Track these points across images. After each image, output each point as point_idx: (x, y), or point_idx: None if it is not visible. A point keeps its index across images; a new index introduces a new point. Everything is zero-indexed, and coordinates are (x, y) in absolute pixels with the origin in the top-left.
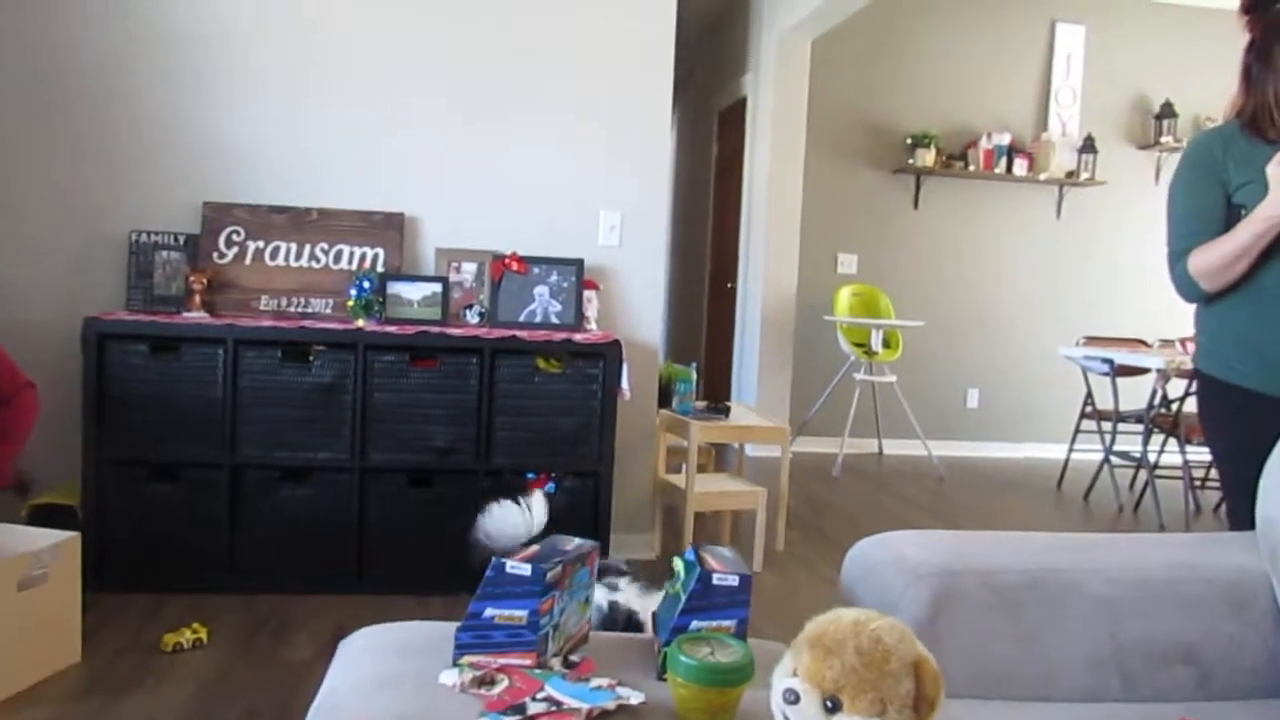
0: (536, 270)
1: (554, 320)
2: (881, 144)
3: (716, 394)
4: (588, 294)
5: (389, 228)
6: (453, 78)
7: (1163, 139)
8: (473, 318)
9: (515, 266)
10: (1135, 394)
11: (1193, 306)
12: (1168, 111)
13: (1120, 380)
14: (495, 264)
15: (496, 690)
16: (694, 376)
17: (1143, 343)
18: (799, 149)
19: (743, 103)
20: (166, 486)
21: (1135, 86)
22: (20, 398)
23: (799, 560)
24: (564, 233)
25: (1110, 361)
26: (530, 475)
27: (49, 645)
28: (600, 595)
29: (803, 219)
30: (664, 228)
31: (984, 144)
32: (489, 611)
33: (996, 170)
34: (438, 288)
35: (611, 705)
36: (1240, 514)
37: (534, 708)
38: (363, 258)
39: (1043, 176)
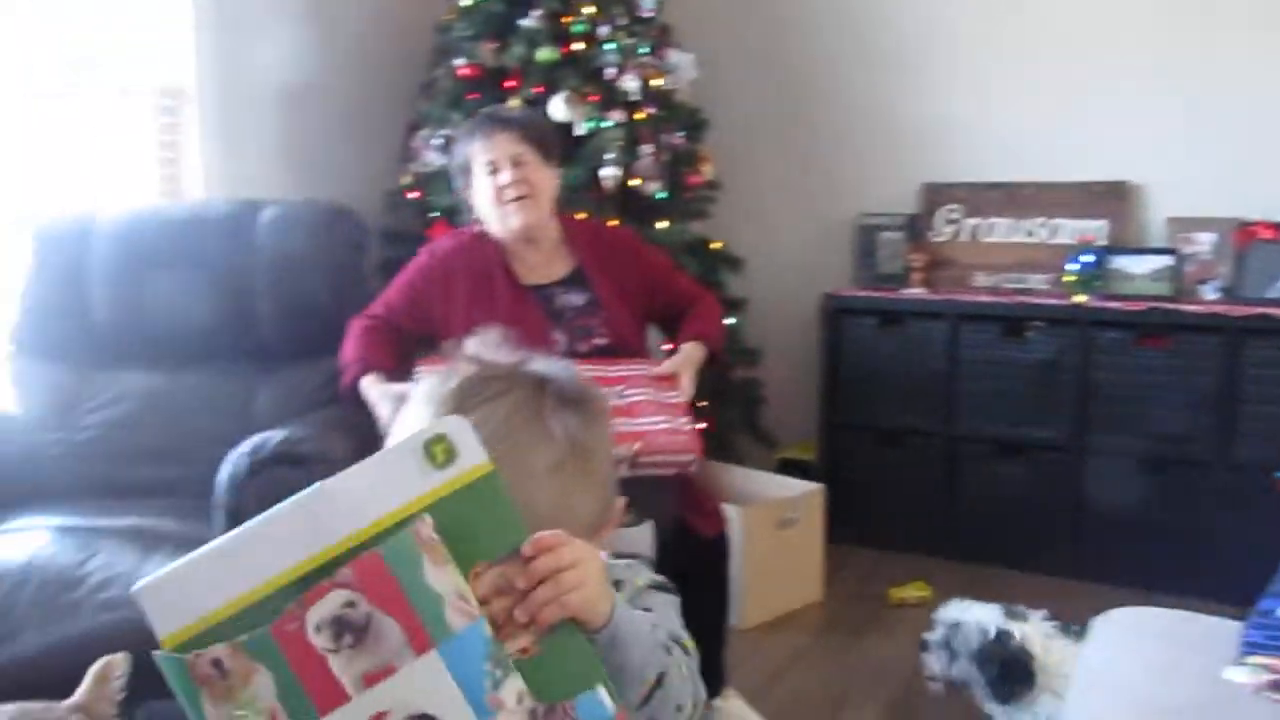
0: None
1: None
2: None
3: None
4: None
5: (1111, 198)
6: (1173, 29)
7: None
8: (1211, 293)
9: (1267, 235)
10: None
11: None
12: None
13: None
14: (1240, 233)
15: None
16: None
17: None
18: None
19: None
20: (892, 451)
21: None
22: (704, 299)
23: None
24: None
25: None
26: None
27: (797, 582)
28: (990, 617)
29: None
30: None
31: None
32: None
33: None
34: (1168, 260)
35: None
36: None
37: None
38: (1082, 231)
39: None
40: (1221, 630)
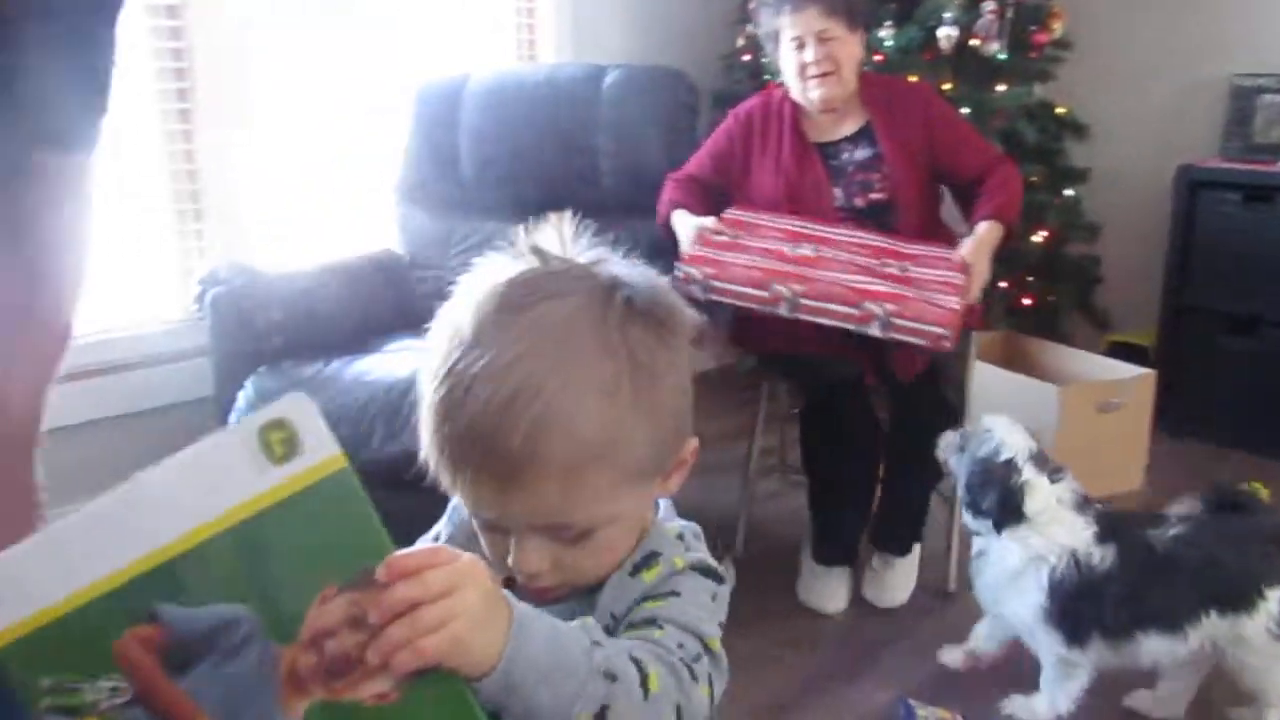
0: None
1: None
2: None
3: None
4: None
5: None
6: None
7: None
8: None
9: None
10: None
11: None
12: None
13: None
14: None
15: None
16: None
17: None
18: None
19: None
20: (1241, 340)
21: None
22: (1001, 167)
23: None
24: None
25: None
26: None
27: (1116, 468)
28: (1018, 444)
29: None
30: None
31: None
32: None
33: None
34: None
35: None
36: None
37: None
38: None
39: None
40: None
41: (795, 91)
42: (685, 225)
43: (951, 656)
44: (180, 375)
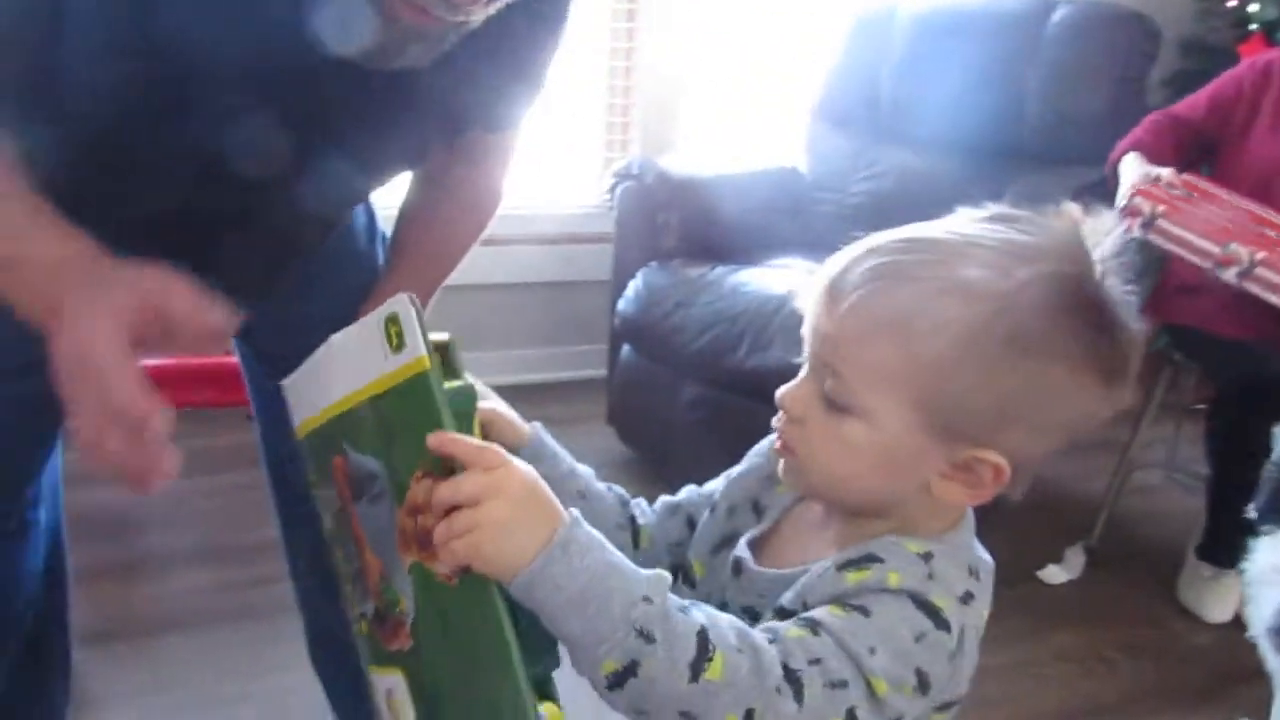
0: None
1: None
2: None
3: None
4: None
5: None
6: None
7: None
8: None
9: None
10: None
11: None
12: None
13: None
14: None
15: None
16: None
17: None
18: None
19: None
20: None
21: None
22: None
23: None
24: None
25: None
26: None
27: None
28: None
29: None
30: None
31: None
32: None
33: None
34: None
35: None
36: None
37: None
38: None
39: None
40: None
41: None
42: (1135, 169)
43: None
44: (586, 257)
